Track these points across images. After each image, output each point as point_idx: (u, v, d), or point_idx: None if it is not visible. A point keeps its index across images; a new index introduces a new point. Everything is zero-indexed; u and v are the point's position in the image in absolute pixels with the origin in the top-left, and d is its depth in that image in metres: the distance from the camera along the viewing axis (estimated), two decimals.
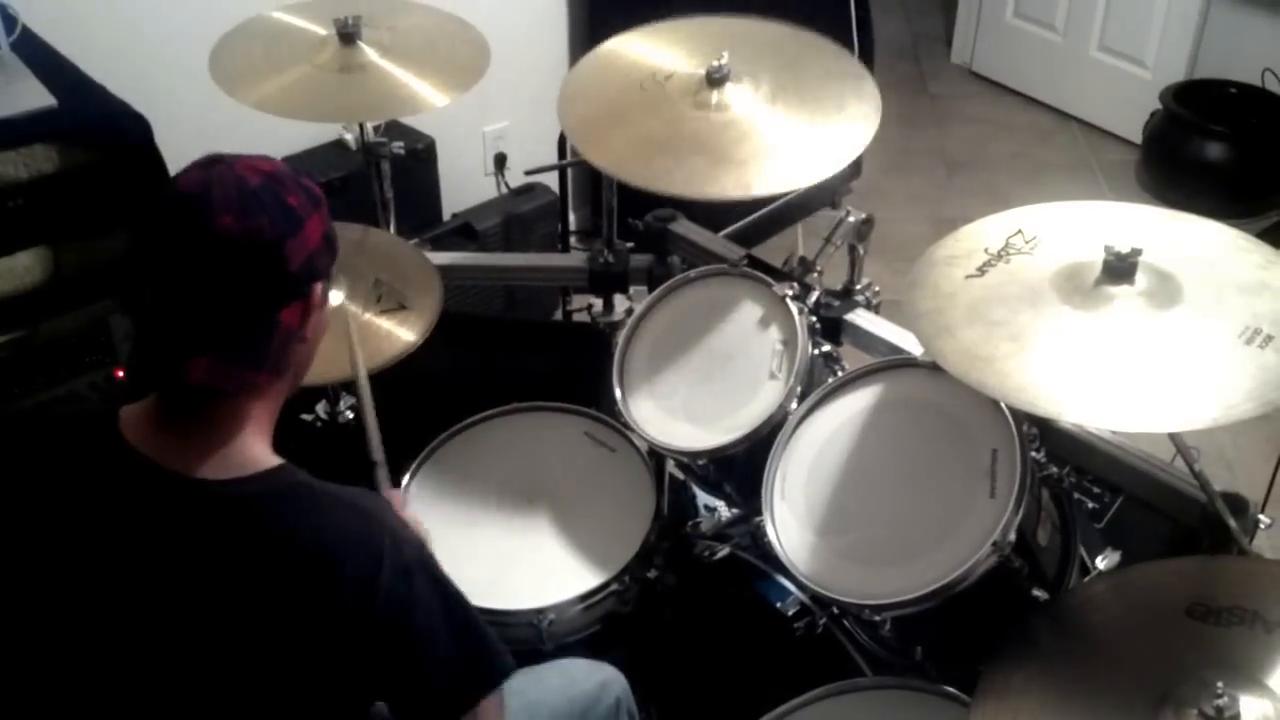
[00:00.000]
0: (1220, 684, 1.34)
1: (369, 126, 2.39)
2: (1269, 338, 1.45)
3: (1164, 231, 1.65)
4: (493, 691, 1.41)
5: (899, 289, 1.71)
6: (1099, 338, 1.51)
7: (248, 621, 1.27)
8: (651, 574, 2.01)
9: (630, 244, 2.51)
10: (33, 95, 2.20)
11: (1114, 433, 1.89)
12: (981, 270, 1.65)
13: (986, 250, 1.67)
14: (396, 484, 2.01)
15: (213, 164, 1.28)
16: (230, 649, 1.28)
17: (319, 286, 1.33)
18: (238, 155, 1.30)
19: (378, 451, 1.80)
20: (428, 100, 2.15)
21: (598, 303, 2.58)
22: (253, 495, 1.29)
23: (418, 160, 3.05)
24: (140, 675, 1.30)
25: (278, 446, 1.37)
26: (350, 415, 2.34)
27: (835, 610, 1.89)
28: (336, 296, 1.99)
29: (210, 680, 1.29)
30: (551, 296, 3.32)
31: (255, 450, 1.33)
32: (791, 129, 2.00)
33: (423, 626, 1.32)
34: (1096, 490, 1.98)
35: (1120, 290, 1.55)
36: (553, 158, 3.16)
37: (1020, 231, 1.70)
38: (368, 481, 1.81)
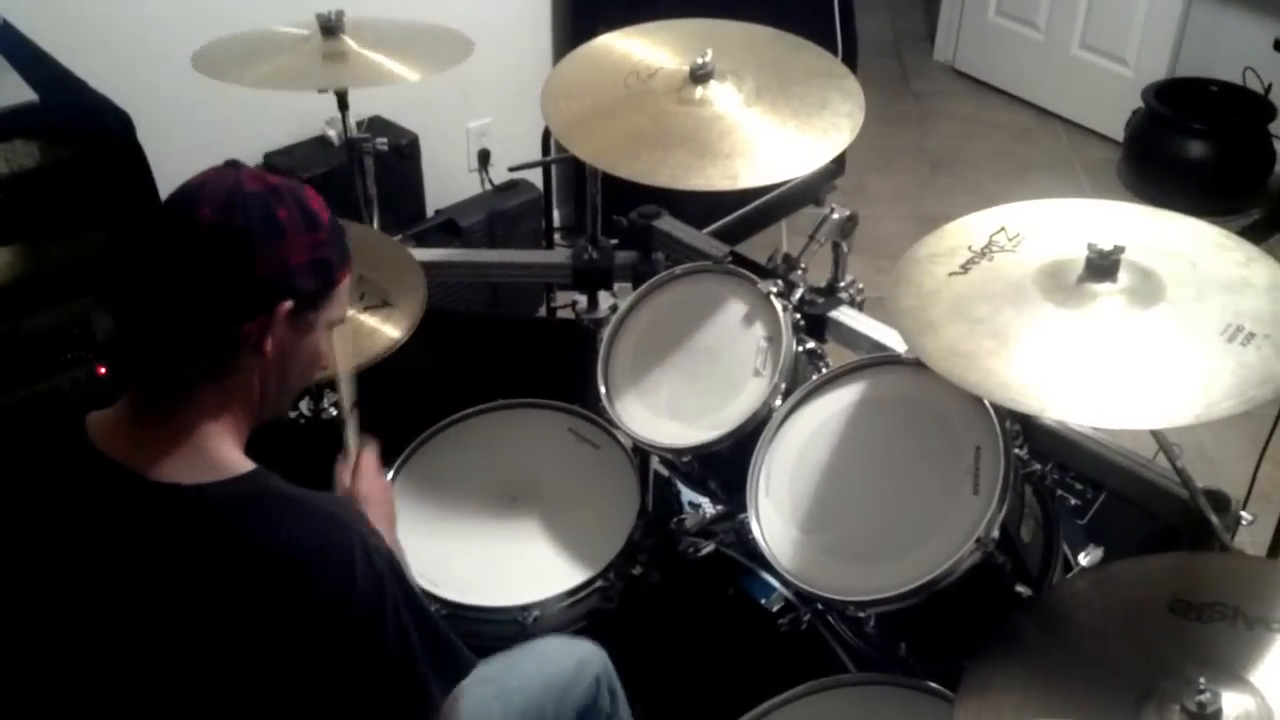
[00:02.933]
0: (1202, 680, 1.35)
1: (352, 122, 2.38)
2: (1250, 335, 1.46)
3: (1146, 229, 1.65)
4: (451, 688, 1.41)
5: (882, 286, 1.71)
6: (1081, 335, 1.52)
7: (218, 628, 1.26)
8: (636, 570, 2.01)
9: (614, 241, 2.51)
10: (13, 90, 2.19)
11: (1096, 429, 1.89)
12: (965, 268, 1.65)
13: (970, 248, 1.68)
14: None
15: (227, 166, 1.31)
16: (200, 656, 1.27)
17: (288, 304, 1.30)
18: (257, 168, 1.33)
19: (347, 402, 1.73)
20: (409, 75, 2.17)
21: (582, 299, 2.57)
22: (223, 500, 1.28)
23: (401, 156, 3.06)
24: (108, 683, 1.29)
25: (261, 443, 1.37)
26: (334, 412, 2.33)
27: (819, 606, 1.89)
28: None
29: (179, 688, 1.28)
30: (536, 293, 3.32)
31: (225, 454, 1.32)
32: (775, 126, 2.00)
33: (393, 632, 1.31)
34: (1079, 487, 1.99)
35: (1103, 288, 1.55)
36: (536, 154, 3.15)
37: (1003, 229, 1.70)
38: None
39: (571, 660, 1.79)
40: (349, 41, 2.20)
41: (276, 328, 1.30)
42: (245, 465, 1.33)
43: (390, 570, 1.33)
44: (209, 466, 1.30)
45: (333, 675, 1.29)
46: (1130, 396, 1.44)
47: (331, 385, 2.27)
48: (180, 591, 1.26)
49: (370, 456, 1.68)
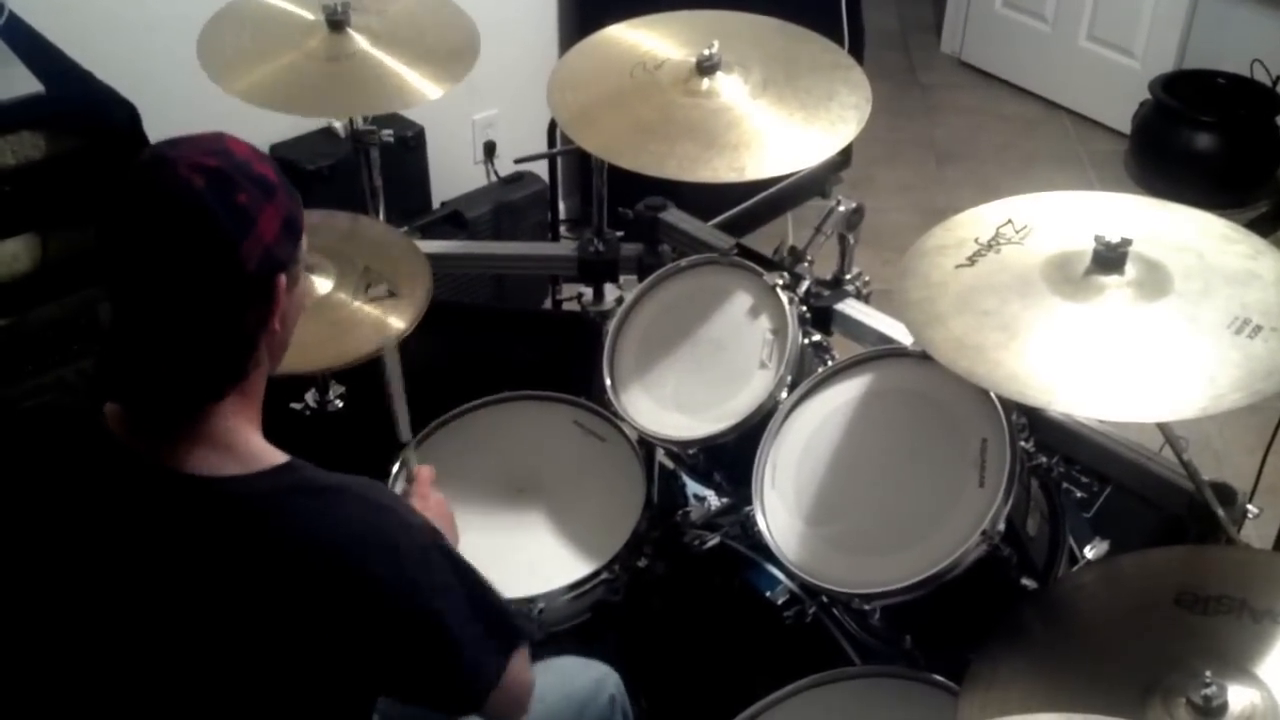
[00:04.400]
0: (1208, 673, 1.35)
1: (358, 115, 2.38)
2: (1258, 328, 1.45)
3: (1153, 222, 1.65)
4: (516, 653, 1.41)
5: (889, 278, 1.71)
6: (1088, 327, 1.52)
7: (265, 621, 1.24)
8: (641, 563, 2.01)
9: (620, 233, 2.51)
10: (20, 81, 2.19)
11: (1102, 422, 1.89)
12: (972, 260, 1.65)
13: (977, 240, 1.67)
14: (386, 474, 2.01)
15: (156, 167, 1.22)
16: (249, 648, 1.25)
17: (282, 278, 1.27)
18: (175, 145, 1.24)
19: (405, 432, 1.82)
20: (418, 92, 2.13)
21: (588, 292, 2.57)
22: (262, 491, 1.26)
23: (407, 148, 3.06)
24: (148, 681, 1.27)
25: (268, 435, 1.37)
26: (340, 404, 2.34)
27: (825, 599, 1.89)
28: (324, 285, 1.99)
29: (224, 685, 1.26)
30: (541, 285, 3.32)
31: (256, 445, 1.30)
32: (781, 118, 2.00)
33: (448, 611, 1.31)
34: (1085, 480, 1.98)
35: (1110, 280, 1.55)
36: (542, 146, 3.15)
37: (1010, 221, 1.70)
38: (363, 469, 1.79)
39: (590, 679, 1.79)
40: (356, 39, 2.17)
41: (279, 305, 1.28)
42: (279, 456, 1.31)
43: (435, 546, 1.32)
44: (241, 459, 1.28)
45: (387, 657, 1.28)
46: (1137, 389, 1.44)
47: (337, 376, 2.30)
48: (224, 585, 1.24)
49: (426, 474, 1.72)
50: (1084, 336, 1.51)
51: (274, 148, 3.04)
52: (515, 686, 1.42)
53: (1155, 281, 1.54)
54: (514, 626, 1.41)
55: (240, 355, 1.28)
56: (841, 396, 1.86)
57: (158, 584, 1.25)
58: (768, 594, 1.96)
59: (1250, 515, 1.79)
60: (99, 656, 1.28)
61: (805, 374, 1.92)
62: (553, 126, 3.09)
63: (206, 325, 1.24)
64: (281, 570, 1.24)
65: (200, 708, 1.28)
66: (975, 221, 1.72)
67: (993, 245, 1.66)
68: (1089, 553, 1.78)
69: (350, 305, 1.98)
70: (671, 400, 2.02)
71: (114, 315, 1.27)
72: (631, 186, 2.24)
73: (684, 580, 2.07)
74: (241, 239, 1.21)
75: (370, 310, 1.99)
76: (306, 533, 1.25)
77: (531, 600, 1.90)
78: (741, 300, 2.05)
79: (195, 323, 1.24)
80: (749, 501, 1.82)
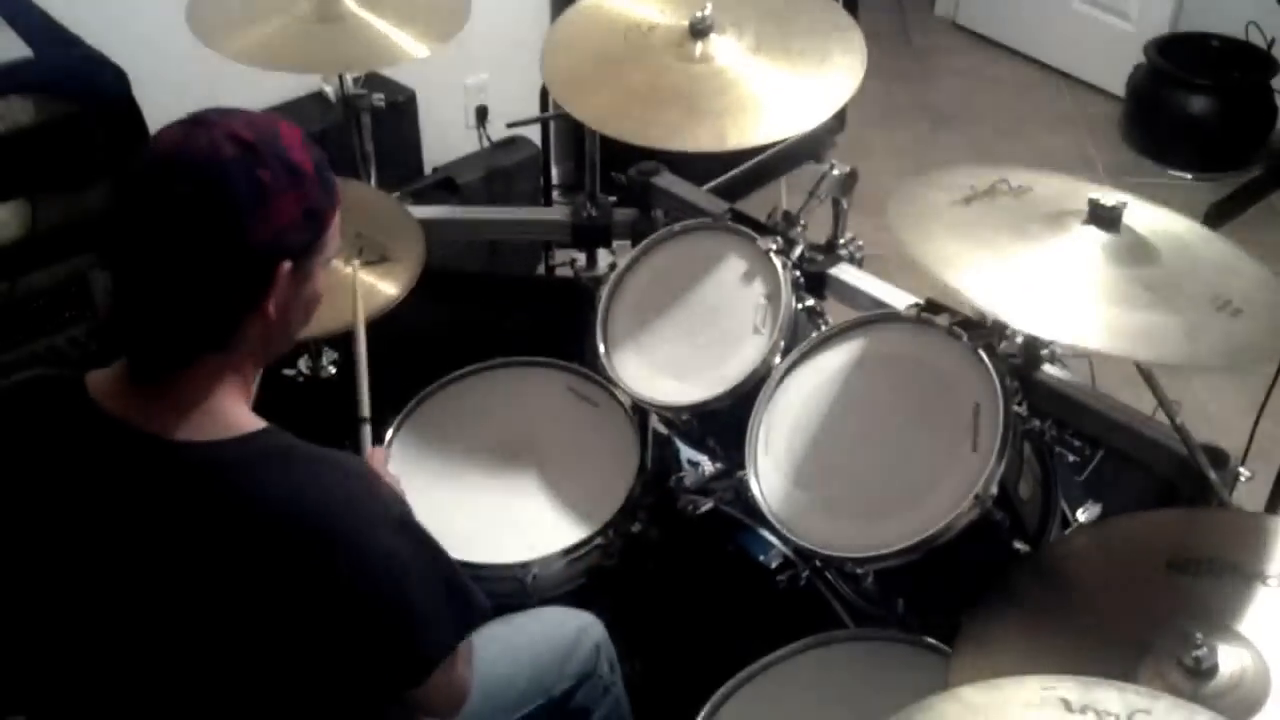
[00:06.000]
0: (1199, 634, 1.35)
1: (349, 79, 2.36)
2: (1238, 310, 1.48)
3: (1144, 212, 1.66)
4: (466, 641, 1.42)
5: (883, 243, 1.71)
6: (1079, 269, 1.54)
7: (239, 583, 1.25)
8: (635, 528, 2.02)
9: (613, 198, 2.50)
10: (8, 46, 2.18)
11: (1095, 385, 1.90)
12: (967, 201, 1.66)
13: (973, 187, 1.68)
14: (380, 439, 2.02)
15: (195, 125, 1.24)
16: (221, 617, 1.26)
17: (285, 265, 1.27)
18: (225, 114, 1.26)
19: (365, 407, 1.80)
20: (407, 51, 2.13)
21: (581, 257, 2.57)
22: (239, 457, 1.27)
23: (398, 113, 3.04)
24: (125, 647, 1.29)
25: (260, 402, 1.36)
26: (333, 370, 2.33)
27: (818, 563, 1.90)
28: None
29: (200, 651, 1.28)
30: (534, 251, 3.31)
31: (236, 412, 1.31)
32: (775, 80, 1.99)
33: (416, 583, 1.31)
34: (1077, 443, 2.00)
35: (1103, 236, 1.57)
36: (534, 110, 3.13)
37: (1005, 180, 1.70)
38: (352, 437, 1.81)
39: (573, 627, 1.81)
40: (346, 2, 2.16)
41: (278, 290, 1.27)
42: (258, 423, 1.32)
43: (407, 521, 1.33)
44: (221, 425, 1.28)
45: (354, 624, 1.29)
46: (1121, 326, 1.47)
47: (330, 342, 2.30)
48: (199, 548, 1.25)
49: (379, 455, 1.74)
50: (1073, 275, 1.53)
51: (265, 112, 3.02)
52: (457, 676, 1.43)
53: (1143, 250, 1.57)
54: (471, 607, 1.41)
55: (220, 326, 1.28)
56: (835, 361, 1.86)
57: (135, 547, 1.26)
58: (761, 558, 1.96)
59: (1242, 478, 1.80)
60: (76, 619, 1.29)
61: (799, 339, 1.92)
62: (545, 91, 3.07)
63: (193, 284, 1.24)
64: (251, 533, 1.25)
65: (177, 669, 1.29)
66: (971, 174, 1.73)
67: (988, 195, 1.67)
68: (1081, 516, 1.79)
69: (342, 271, 1.97)
70: (665, 366, 2.02)
71: (115, 267, 1.27)
72: (625, 151, 2.22)
73: (678, 545, 2.07)
74: (250, 211, 1.22)
75: (363, 275, 1.98)
76: (278, 497, 1.26)
77: (526, 565, 1.90)
78: (735, 265, 2.05)
79: (183, 279, 1.24)
80: (742, 466, 1.82)
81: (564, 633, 1.80)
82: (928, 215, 1.63)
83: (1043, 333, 1.69)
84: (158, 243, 1.23)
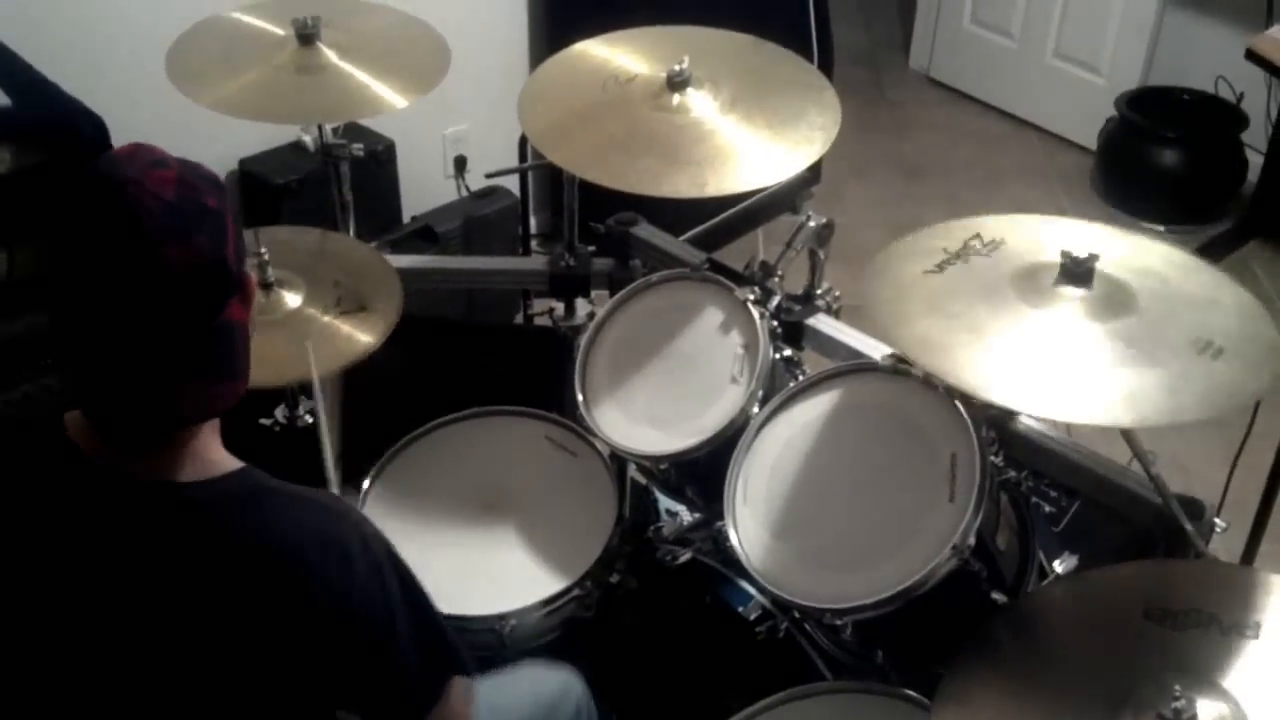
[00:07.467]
0: (1178, 687, 1.35)
1: (328, 128, 2.37)
2: (1220, 350, 1.48)
3: (1118, 248, 1.67)
4: (453, 682, 1.41)
5: (859, 294, 1.72)
6: (1055, 335, 1.54)
7: (218, 623, 1.25)
8: (613, 579, 2.01)
9: (591, 248, 2.51)
10: None
11: (1071, 436, 1.90)
12: (940, 267, 1.67)
13: (945, 250, 1.69)
14: (357, 489, 2.01)
15: (122, 187, 1.17)
16: (201, 651, 1.26)
17: (250, 276, 1.28)
18: (130, 161, 1.21)
19: (331, 470, 1.81)
20: (387, 102, 2.14)
21: (559, 306, 2.57)
22: (218, 496, 1.27)
23: (377, 162, 3.05)
24: (108, 681, 1.28)
25: (236, 453, 1.36)
26: (309, 419, 2.32)
27: (797, 614, 1.89)
28: (294, 300, 1.98)
29: (180, 685, 1.27)
30: (512, 300, 3.31)
31: (214, 452, 1.31)
32: (749, 134, 2.01)
33: (394, 623, 1.31)
34: (1054, 494, 1.99)
35: (1077, 293, 1.57)
36: (513, 161, 3.15)
37: (979, 235, 1.71)
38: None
39: (557, 683, 1.81)
40: (326, 52, 2.17)
41: (253, 295, 1.29)
42: (235, 463, 1.32)
43: (389, 560, 1.33)
44: (199, 465, 1.28)
45: (335, 665, 1.29)
46: (1102, 395, 1.46)
47: (306, 391, 2.29)
48: (178, 589, 1.25)
49: None
50: (1051, 343, 1.54)
51: (243, 161, 3.03)
52: (455, 715, 1.42)
53: (1120, 299, 1.57)
54: (456, 651, 1.41)
55: (243, 350, 1.28)
56: (812, 411, 1.86)
57: (117, 588, 1.26)
58: (740, 609, 1.95)
59: (1218, 529, 1.80)
60: (57, 660, 1.28)
61: (776, 389, 1.92)
62: (524, 141, 3.09)
63: (208, 330, 1.24)
64: (236, 571, 1.25)
65: (158, 706, 1.28)
66: (944, 234, 1.73)
67: (961, 255, 1.68)
68: (1058, 567, 1.79)
69: (320, 320, 1.97)
70: (643, 415, 2.02)
71: (106, 344, 1.23)
72: (603, 201, 2.24)
73: (656, 596, 2.06)
74: (224, 243, 1.21)
75: (341, 325, 1.98)
76: (261, 535, 1.27)
77: (503, 617, 1.89)
78: (713, 315, 2.05)
79: (199, 331, 1.23)
80: (721, 516, 1.82)
81: (547, 689, 1.79)
82: (903, 292, 1.63)
83: (1024, 408, 1.70)
84: (161, 310, 1.20)
